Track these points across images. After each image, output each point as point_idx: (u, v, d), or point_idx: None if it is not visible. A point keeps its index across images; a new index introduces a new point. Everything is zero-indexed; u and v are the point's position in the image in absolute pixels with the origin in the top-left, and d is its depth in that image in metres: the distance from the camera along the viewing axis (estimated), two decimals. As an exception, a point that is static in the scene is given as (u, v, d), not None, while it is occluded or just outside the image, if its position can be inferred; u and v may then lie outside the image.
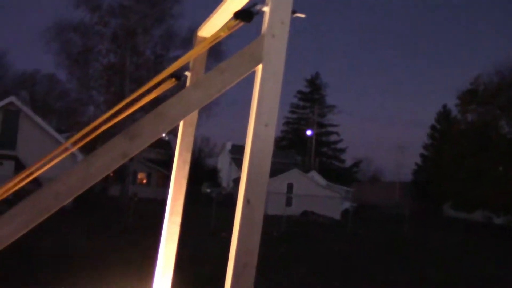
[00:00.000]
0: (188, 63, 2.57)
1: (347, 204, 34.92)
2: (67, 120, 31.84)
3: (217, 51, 26.07)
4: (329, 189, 38.24)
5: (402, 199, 46.52)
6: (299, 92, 66.35)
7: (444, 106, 54.38)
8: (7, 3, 78.49)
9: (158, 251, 2.67)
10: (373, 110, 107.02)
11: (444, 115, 54.12)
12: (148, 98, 2.44)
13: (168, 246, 2.64)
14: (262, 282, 7.56)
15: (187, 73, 2.60)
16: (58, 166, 2.43)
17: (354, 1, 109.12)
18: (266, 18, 1.82)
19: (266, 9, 1.83)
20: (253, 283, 1.70)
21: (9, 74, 45.19)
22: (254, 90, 1.81)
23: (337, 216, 31.83)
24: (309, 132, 58.07)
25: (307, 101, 65.93)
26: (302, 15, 1.94)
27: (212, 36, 2.25)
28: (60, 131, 29.63)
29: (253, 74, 1.84)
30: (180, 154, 2.65)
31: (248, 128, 1.79)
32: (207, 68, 2.49)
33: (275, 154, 1.86)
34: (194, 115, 2.63)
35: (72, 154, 13.44)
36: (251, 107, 1.80)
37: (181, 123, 2.62)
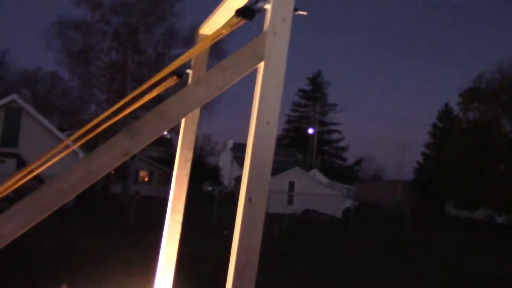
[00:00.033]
0: (189, 61, 2.57)
1: (348, 203, 34.94)
2: (69, 118, 31.80)
3: (219, 49, 26.08)
4: (331, 187, 38.25)
5: (404, 198, 46.40)
6: (301, 90, 66.49)
7: (446, 105, 54.33)
8: (8, 1, 78.59)
9: (160, 250, 2.67)
10: (375, 108, 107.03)
11: (446, 113, 54.04)
12: (149, 96, 2.43)
13: (170, 244, 2.63)
14: (263, 281, 7.55)
15: (189, 71, 2.59)
16: (59, 164, 2.42)
17: (355, 1, 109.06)
18: (268, 15, 1.81)
19: (267, 6, 1.82)
20: (255, 281, 1.69)
21: (11, 72, 45.19)
22: (255, 88, 1.81)
23: (338, 214, 31.84)
24: (310, 130, 58.06)
25: (309, 99, 65.96)
26: (304, 13, 1.93)
27: (214, 34, 2.24)
28: (62, 129, 29.62)
29: (254, 72, 1.83)
30: (181, 152, 2.64)
31: (250, 126, 1.78)
32: (209, 66, 2.48)
33: (276, 152, 1.85)
34: (195, 113, 2.62)
35: (74, 152, 13.47)
36: (253, 105, 1.79)
37: (183, 121, 2.61)
